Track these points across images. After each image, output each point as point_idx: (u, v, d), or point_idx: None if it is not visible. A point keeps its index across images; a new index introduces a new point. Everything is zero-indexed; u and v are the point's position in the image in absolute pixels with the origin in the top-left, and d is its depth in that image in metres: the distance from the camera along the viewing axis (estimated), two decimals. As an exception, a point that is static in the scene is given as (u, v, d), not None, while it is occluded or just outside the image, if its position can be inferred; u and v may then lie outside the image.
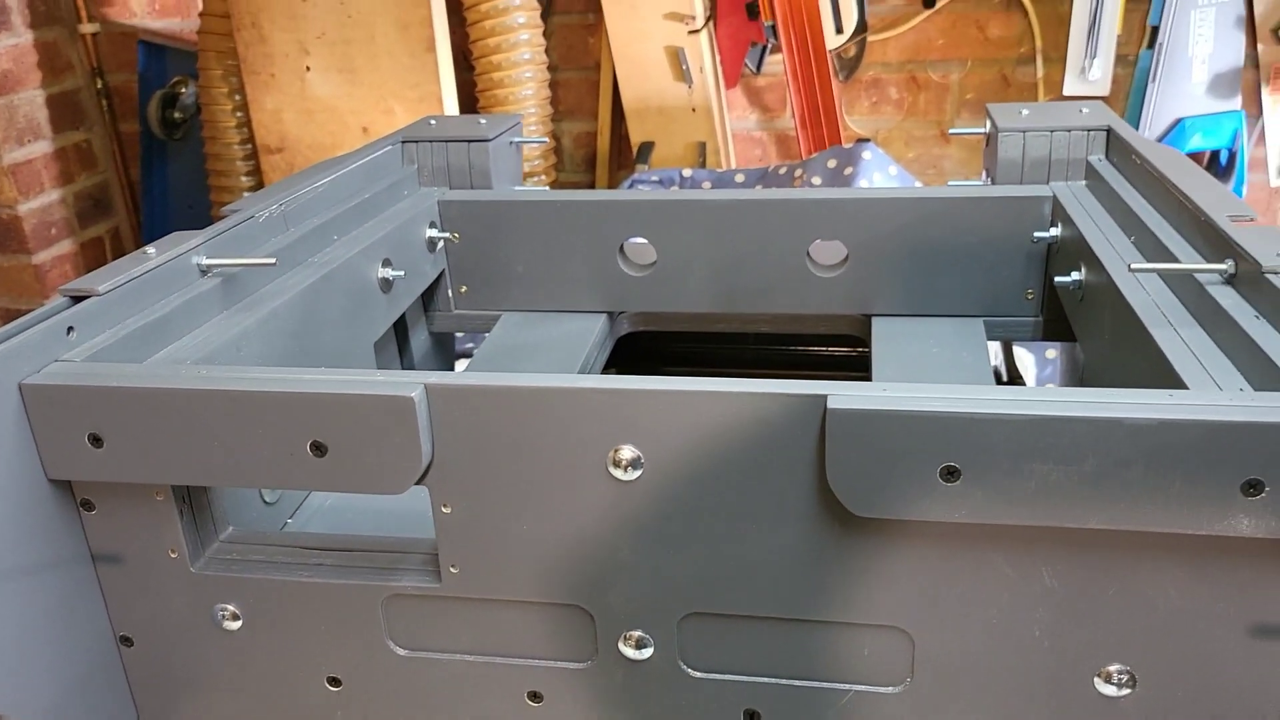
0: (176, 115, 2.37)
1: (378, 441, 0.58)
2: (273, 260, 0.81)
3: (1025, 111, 1.03)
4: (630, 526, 0.59)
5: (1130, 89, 1.97)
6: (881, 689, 0.61)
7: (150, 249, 0.76)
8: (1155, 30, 1.90)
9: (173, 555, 0.65)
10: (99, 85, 2.42)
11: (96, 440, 0.61)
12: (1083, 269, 0.86)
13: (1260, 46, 1.89)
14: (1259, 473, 0.49)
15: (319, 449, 0.58)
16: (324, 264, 0.88)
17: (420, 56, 1.90)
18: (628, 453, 0.57)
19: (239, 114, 2.12)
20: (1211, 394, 0.56)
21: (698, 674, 0.63)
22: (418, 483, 0.60)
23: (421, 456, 0.58)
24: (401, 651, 0.66)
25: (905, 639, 0.59)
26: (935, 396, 0.52)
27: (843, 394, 0.53)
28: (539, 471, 0.59)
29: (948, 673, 0.59)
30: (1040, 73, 2.02)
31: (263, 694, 0.69)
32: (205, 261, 0.79)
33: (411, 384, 0.57)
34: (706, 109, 2.05)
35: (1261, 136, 1.96)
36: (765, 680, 0.63)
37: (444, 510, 0.61)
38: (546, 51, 2.05)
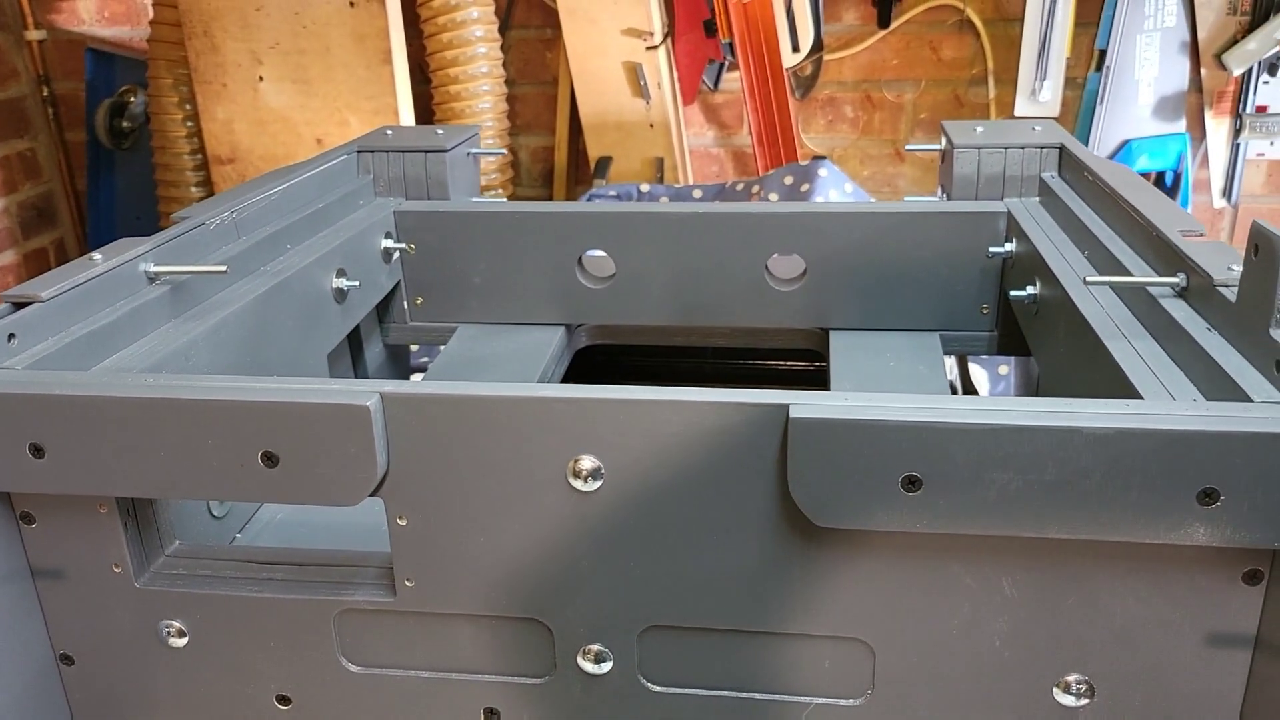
0: (125, 124, 2.32)
1: (331, 452, 0.56)
2: (223, 268, 0.80)
3: (980, 129, 1.05)
4: (590, 538, 0.58)
5: (1079, 111, 2.01)
6: (842, 701, 0.61)
7: (96, 255, 0.74)
8: (1103, 54, 1.94)
9: (116, 570, 0.63)
10: (45, 93, 2.36)
11: (38, 450, 0.59)
12: (1037, 283, 0.87)
13: (1204, 71, 1.94)
14: (1213, 482, 0.50)
15: (270, 459, 0.57)
16: (276, 273, 0.86)
17: (376, 68, 1.88)
18: (588, 463, 0.56)
19: (189, 124, 2.08)
20: (1166, 404, 0.56)
21: (657, 688, 0.63)
22: (372, 494, 0.58)
23: (377, 467, 0.57)
24: (354, 668, 0.65)
25: (866, 650, 0.59)
26: (897, 406, 0.52)
27: (805, 403, 0.53)
28: (497, 482, 0.58)
29: (908, 684, 0.59)
30: (992, 94, 2.05)
31: (209, 713, 0.67)
32: (153, 269, 0.77)
33: (367, 392, 0.56)
34: (664, 125, 2.05)
35: (1205, 159, 2.01)
36: (725, 694, 0.62)
37: (399, 522, 0.60)
38: (504, 65, 2.05)
